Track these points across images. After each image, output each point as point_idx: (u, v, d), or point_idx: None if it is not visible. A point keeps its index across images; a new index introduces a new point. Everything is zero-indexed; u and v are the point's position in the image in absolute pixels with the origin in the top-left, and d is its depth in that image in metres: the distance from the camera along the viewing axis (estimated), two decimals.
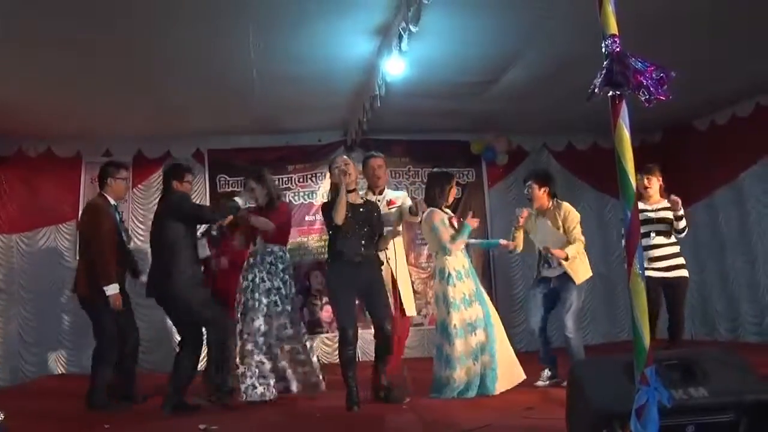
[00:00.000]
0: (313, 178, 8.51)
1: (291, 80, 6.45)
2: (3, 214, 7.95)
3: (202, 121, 7.79)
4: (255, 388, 5.02)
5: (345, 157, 5.14)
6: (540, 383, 5.41)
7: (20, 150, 8.02)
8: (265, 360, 5.10)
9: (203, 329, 5.09)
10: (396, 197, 5.67)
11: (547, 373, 5.49)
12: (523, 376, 5.23)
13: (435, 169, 5.69)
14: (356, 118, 7.61)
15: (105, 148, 8.20)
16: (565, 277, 5.40)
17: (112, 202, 5.53)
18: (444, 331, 5.14)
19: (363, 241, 4.83)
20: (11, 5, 4.63)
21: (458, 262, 5.24)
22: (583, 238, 5.47)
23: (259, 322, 5.08)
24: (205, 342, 5.14)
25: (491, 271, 8.67)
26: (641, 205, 5.22)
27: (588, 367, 2.86)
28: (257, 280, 5.16)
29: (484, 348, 5.10)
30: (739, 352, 3.04)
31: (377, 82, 6.12)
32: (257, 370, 5.05)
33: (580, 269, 5.43)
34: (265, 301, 5.11)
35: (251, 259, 5.28)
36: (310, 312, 8.11)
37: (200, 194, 8.21)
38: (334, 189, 4.94)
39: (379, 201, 5.48)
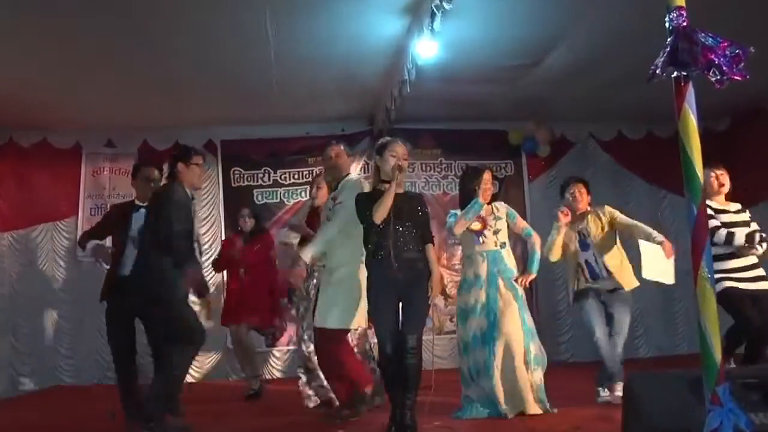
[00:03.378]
0: None
1: (312, 64, 6.48)
2: None
3: (215, 109, 7.85)
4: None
5: (401, 143, 4.57)
6: (618, 393, 4.96)
7: (12, 140, 8.10)
8: None
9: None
10: None
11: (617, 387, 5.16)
12: (531, 411, 4.79)
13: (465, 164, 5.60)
14: (383, 105, 7.62)
15: (107, 138, 8.32)
16: (617, 294, 5.27)
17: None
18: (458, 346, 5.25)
19: (402, 238, 4.44)
20: None
21: (473, 269, 5.14)
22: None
23: None
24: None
25: None
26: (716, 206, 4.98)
27: (648, 381, 2.79)
28: None
29: (489, 365, 4.87)
30: None
31: (407, 66, 6.11)
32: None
33: (631, 277, 5.31)
34: None
35: None
36: None
37: (213, 188, 8.29)
38: (377, 176, 4.56)
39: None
